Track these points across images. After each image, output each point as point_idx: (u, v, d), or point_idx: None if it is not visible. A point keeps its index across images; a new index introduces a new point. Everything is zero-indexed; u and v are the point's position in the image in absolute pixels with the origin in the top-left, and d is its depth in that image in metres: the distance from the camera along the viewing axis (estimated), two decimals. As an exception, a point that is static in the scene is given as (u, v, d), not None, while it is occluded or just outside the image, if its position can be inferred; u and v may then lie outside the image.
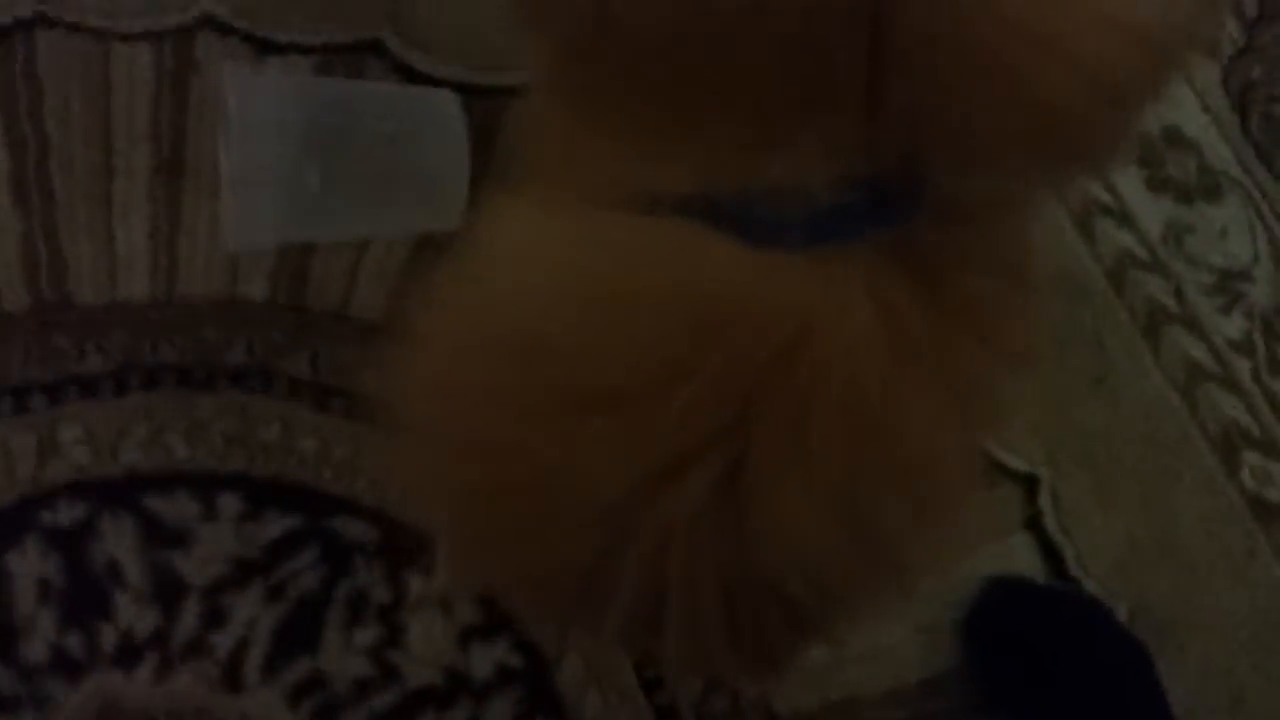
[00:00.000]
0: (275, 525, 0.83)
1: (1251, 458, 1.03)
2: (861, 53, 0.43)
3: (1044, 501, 0.95)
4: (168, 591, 0.79)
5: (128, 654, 0.78)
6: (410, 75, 1.02)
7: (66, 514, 0.80)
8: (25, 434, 0.83)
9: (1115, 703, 0.83)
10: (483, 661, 0.81)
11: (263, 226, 0.89)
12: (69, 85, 0.96)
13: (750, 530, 0.49)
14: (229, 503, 0.83)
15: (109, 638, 0.78)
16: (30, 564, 0.79)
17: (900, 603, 0.60)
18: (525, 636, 0.82)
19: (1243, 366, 1.07)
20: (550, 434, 0.49)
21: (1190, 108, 1.20)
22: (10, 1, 0.97)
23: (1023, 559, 0.93)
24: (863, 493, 0.50)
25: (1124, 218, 1.12)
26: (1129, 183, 1.14)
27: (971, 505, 0.61)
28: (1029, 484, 0.96)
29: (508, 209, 0.55)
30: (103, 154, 0.94)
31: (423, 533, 0.83)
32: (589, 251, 0.51)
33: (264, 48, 1.00)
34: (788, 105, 0.45)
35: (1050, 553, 0.94)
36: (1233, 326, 1.09)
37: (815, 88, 0.45)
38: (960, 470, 0.56)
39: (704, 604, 0.52)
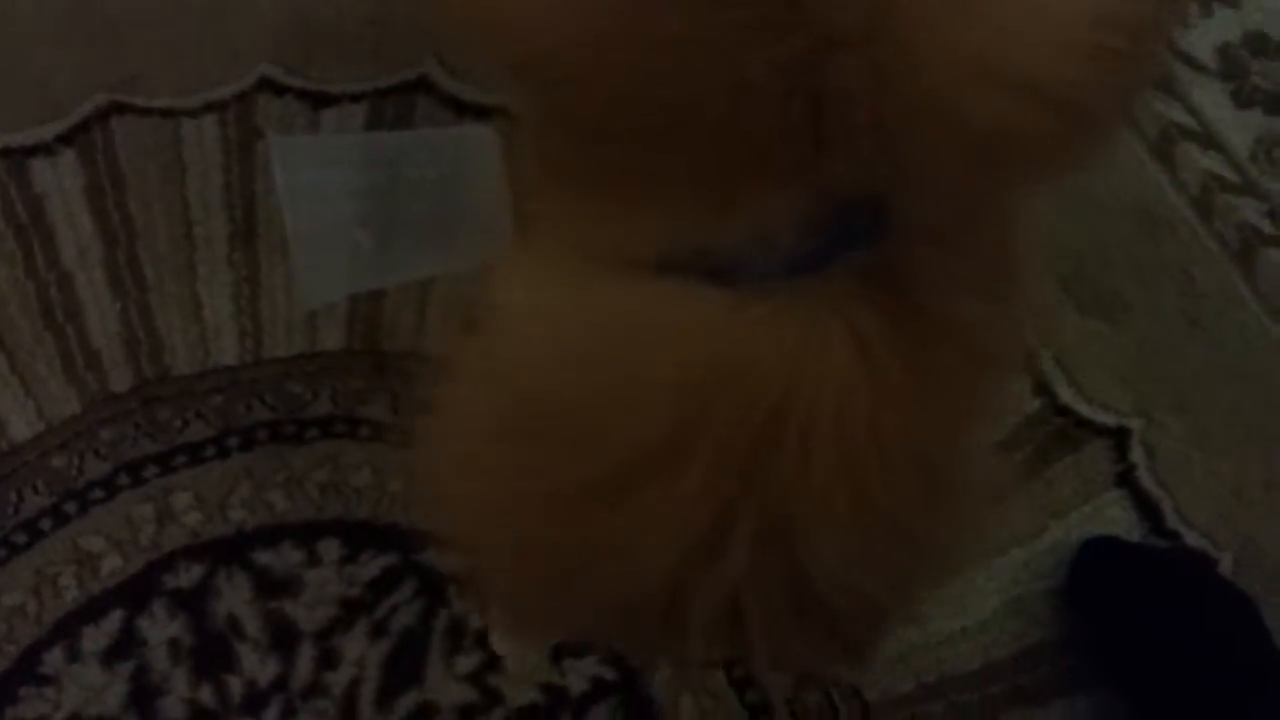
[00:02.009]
0: (373, 564, 0.88)
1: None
2: (803, 114, 0.44)
3: (1136, 455, 0.92)
4: (283, 639, 0.86)
5: (254, 702, 0.84)
6: (459, 107, 1.05)
7: (186, 576, 0.87)
8: (144, 505, 0.90)
9: (1222, 662, 0.80)
10: (578, 676, 0.85)
11: (330, 283, 0.94)
12: (146, 166, 1.02)
13: (797, 569, 0.52)
14: (329, 548, 0.88)
15: (236, 688, 0.85)
16: (160, 626, 0.86)
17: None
18: (614, 649, 0.85)
19: (1349, 284, 1.01)
20: (573, 522, 0.52)
21: (1275, 9, 1.12)
22: (86, 94, 1.04)
23: (1117, 517, 0.91)
24: (875, 524, 0.52)
25: (1208, 139, 1.07)
26: (1211, 99, 1.08)
27: (990, 499, 0.62)
28: (1119, 438, 0.93)
29: (514, 269, 0.57)
30: (183, 227, 1.00)
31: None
32: (585, 326, 0.52)
33: (319, 101, 1.05)
34: (739, 168, 0.47)
35: (1147, 507, 0.91)
36: (1337, 241, 1.03)
37: (763, 150, 0.46)
38: (966, 472, 0.57)
39: (777, 621, 0.55)
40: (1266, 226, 1.03)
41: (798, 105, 0.43)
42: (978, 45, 0.42)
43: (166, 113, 1.04)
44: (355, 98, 1.05)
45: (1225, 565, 0.89)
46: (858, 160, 0.45)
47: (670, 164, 0.48)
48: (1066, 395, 0.95)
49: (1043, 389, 0.95)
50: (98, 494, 0.90)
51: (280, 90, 1.05)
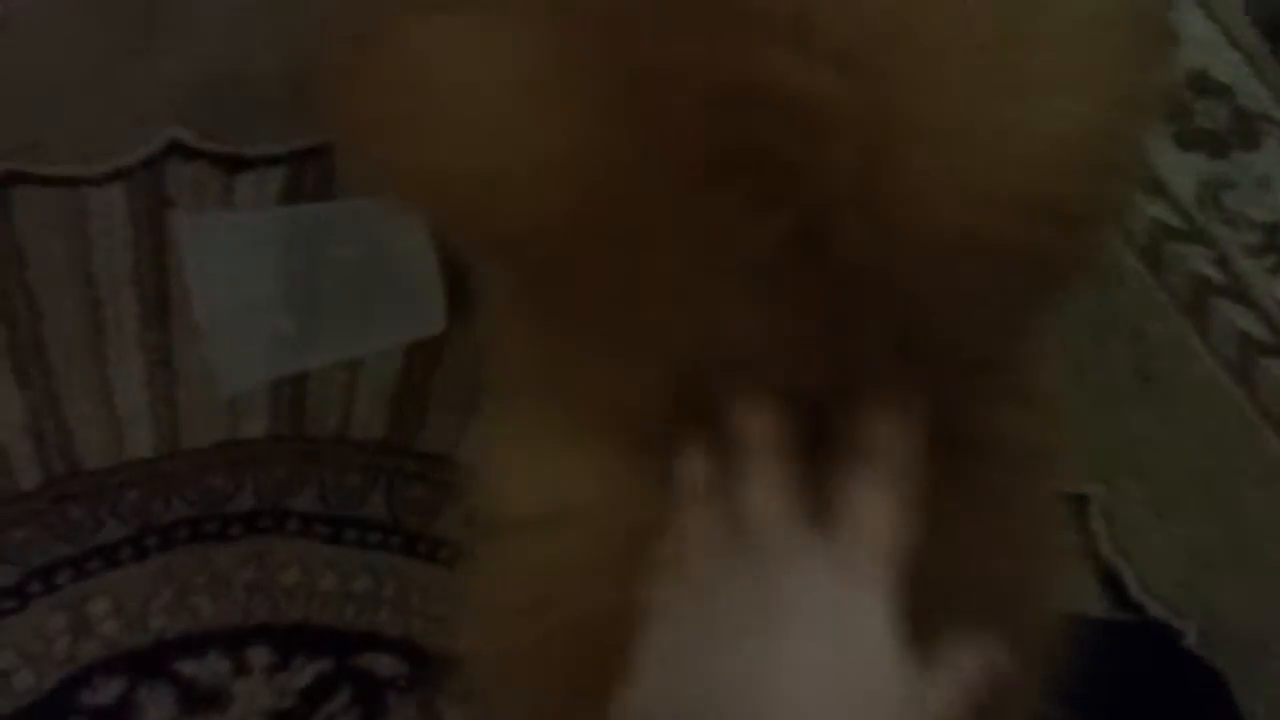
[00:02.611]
0: (306, 672, 0.83)
1: (1323, 436, 0.96)
2: (813, 283, 0.43)
3: (1097, 523, 0.90)
4: (211, 758, 0.81)
5: (181, 829, 0.79)
6: (382, 167, 1.00)
7: (105, 691, 0.82)
8: (57, 614, 0.84)
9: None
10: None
11: (248, 369, 0.89)
12: (49, 242, 0.96)
13: None
14: (258, 655, 0.84)
15: (161, 815, 0.80)
16: (77, 750, 0.81)
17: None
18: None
19: (1301, 330, 1.00)
20: None
21: (1217, 47, 1.10)
22: (-19, 163, 0.97)
23: (1079, 590, 0.88)
24: None
25: (1153, 186, 1.05)
26: (1155, 143, 1.06)
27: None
28: (1079, 506, 0.91)
29: (503, 450, 0.53)
30: (90, 308, 0.94)
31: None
32: (600, 513, 0.49)
33: (234, 166, 0.99)
34: (751, 345, 0.45)
35: (1109, 578, 0.89)
36: (1287, 286, 1.01)
37: (774, 322, 0.44)
38: (1035, 580, 0.56)
39: None
40: (1215, 275, 1.01)
41: (807, 276, 0.42)
42: (977, 178, 0.41)
43: (70, 182, 0.98)
44: (272, 161, 1.00)
45: (1190, 637, 0.86)
46: (874, 316, 0.44)
47: (675, 341, 0.46)
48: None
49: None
50: (9, 603, 0.85)
51: (191, 155, 0.99)
